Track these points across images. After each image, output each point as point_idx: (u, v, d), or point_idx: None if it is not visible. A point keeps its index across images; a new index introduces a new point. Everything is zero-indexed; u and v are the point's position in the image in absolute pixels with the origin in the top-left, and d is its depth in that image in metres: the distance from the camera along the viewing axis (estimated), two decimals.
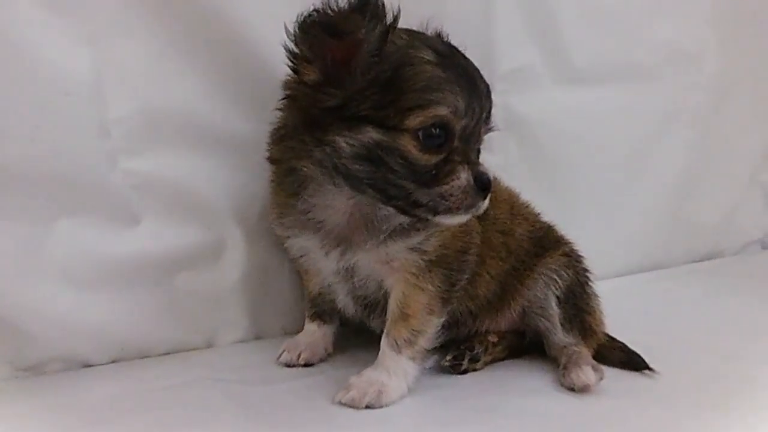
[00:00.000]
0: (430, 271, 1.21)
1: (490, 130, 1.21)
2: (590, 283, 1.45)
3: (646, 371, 1.34)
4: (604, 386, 1.28)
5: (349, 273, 1.25)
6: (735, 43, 2.01)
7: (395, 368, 1.22)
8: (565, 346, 1.36)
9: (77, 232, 1.29)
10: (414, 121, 1.08)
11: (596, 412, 1.20)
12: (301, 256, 1.32)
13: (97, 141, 1.29)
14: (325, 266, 1.27)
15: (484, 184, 1.12)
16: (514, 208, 1.43)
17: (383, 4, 1.08)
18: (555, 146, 1.82)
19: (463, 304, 1.36)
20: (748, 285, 1.93)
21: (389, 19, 1.09)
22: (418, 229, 1.19)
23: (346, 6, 1.06)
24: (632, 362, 1.38)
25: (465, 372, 1.35)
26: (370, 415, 1.17)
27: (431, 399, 1.23)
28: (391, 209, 1.15)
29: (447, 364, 1.35)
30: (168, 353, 1.44)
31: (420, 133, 1.09)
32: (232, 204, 1.45)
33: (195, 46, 1.35)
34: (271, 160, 1.26)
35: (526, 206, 1.47)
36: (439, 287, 1.22)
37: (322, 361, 1.40)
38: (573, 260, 1.44)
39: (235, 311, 1.50)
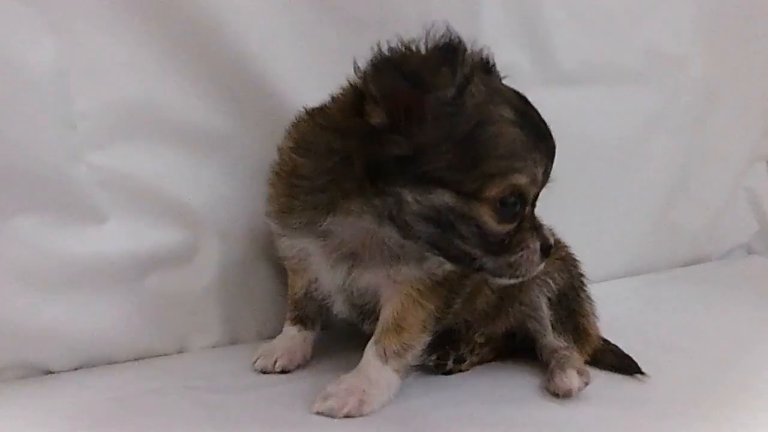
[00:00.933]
0: (433, 290, 1.20)
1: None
2: (585, 288, 1.44)
3: (638, 375, 1.33)
4: (591, 393, 1.26)
5: (350, 284, 1.22)
6: (721, 47, 2.02)
7: (378, 378, 1.19)
8: (555, 350, 1.34)
9: (37, 230, 1.24)
10: (494, 190, 1.04)
11: (583, 420, 1.18)
12: (293, 257, 1.28)
13: (61, 134, 1.25)
14: (328, 278, 1.23)
15: (547, 250, 1.13)
16: None
17: (468, 52, 1.04)
18: None
19: (460, 318, 1.34)
20: (733, 290, 1.93)
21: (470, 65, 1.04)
22: (426, 257, 1.15)
23: (433, 53, 1.00)
24: (624, 366, 1.37)
25: (450, 372, 1.33)
26: (349, 425, 1.12)
27: (412, 408, 1.19)
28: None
29: (431, 363, 1.33)
30: (136, 359, 1.40)
31: (498, 204, 1.05)
32: (205, 202, 1.41)
33: (166, 36, 1.32)
34: (296, 166, 1.16)
35: None
36: (438, 306, 1.21)
37: (299, 367, 1.35)
38: (568, 264, 1.42)
39: (208, 315, 1.46)
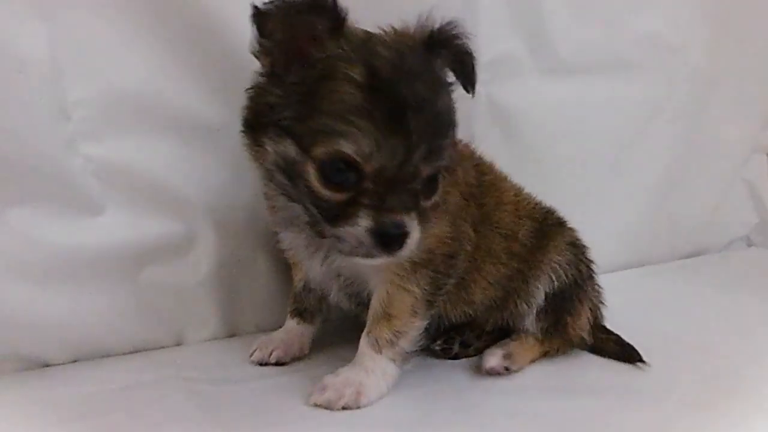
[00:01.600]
0: (415, 273, 1.17)
1: (438, 168, 1.06)
2: (593, 277, 1.42)
3: (639, 363, 1.34)
4: (591, 383, 1.26)
5: (334, 273, 1.22)
6: (720, 37, 1.99)
7: (374, 368, 1.18)
8: (518, 332, 1.35)
9: (33, 222, 1.23)
10: (317, 150, 0.99)
11: (583, 411, 1.17)
12: (288, 249, 1.28)
13: (55, 124, 1.23)
14: (311, 264, 1.23)
15: (383, 239, 1.00)
16: (519, 209, 1.36)
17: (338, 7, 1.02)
18: (538, 137, 1.80)
19: (459, 309, 1.32)
20: (732, 282, 1.91)
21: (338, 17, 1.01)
22: None
23: (303, 5, 1.00)
24: (626, 355, 1.37)
25: (456, 357, 1.34)
26: (347, 417, 1.12)
27: (412, 398, 1.19)
28: None
29: (437, 348, 1.33)
30: (134, 352, 1.39)
31: (324, 165, 1.00)
32: (202, 193, 1.39)
33: (162, 23, 1.30)
34: None
35: (529, 201, 1.41)
36: (425, 290, 1.18)
37: (296, 360, 1.35)
38: (578, 253, 1.40)
39: (205, 307, 1.45)
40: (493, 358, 1.29)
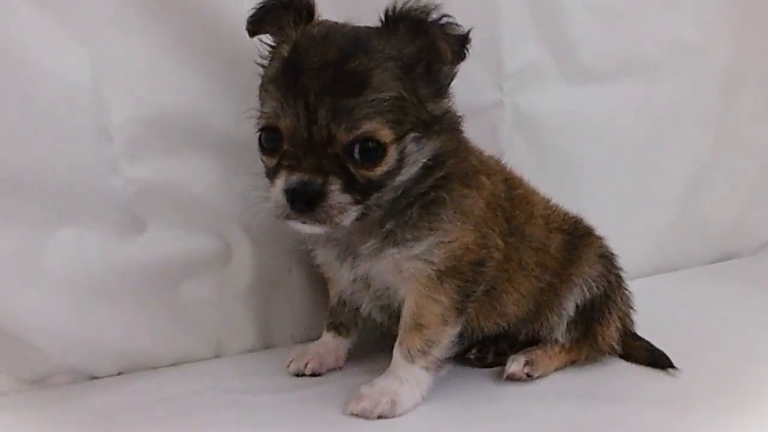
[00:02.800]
0: (442, 283, 1.17)
1: (364, 135, 1.04)
2: (622, 286, 1.43)
3: (669, 369, 1.34)
4: (623, 390, 1.27)
5: (365, 283, 1.24)
6: (744, 37, 1.97)
7: (408, 377, 1.20)
8: (545, 341, 1.36)
9: (79, 241, 1.27)
10: (258, 124, 1.11)
11: (614, 417, 1.18)
12: (323, 264, 1.32)
13: (99, 147, 1.27)
14: (342, 276, 1.25)
15: (291, 196, 1.04)
16: (550, 222, 1.37)
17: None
18: (563, 145, 1.79)
19: (492, 321, 1.33)
20: (766, 285, 1.88)
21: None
22: (417, 239, 1.16)
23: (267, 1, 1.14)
24: (656, 360, 1.37)
25: (491, 366, 1.35)
26: (382, 425, 1.14)
27: (446, 407, 1.21)
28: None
29: (472, 357, 1.35)
30: (175, 364, 1.42)
31: (262, 138, 1.11)
32: (238, 210, 1.42)
33: (197, 48, 1.33)
34: None
35: (558, 213, 1.41)
36: (453, 298, 1.18)
37: (330, 371, 1.37)
38: (608, 264, 1.41)
39: (242, 320, 1.48)
40: (515, 364, 1.30)
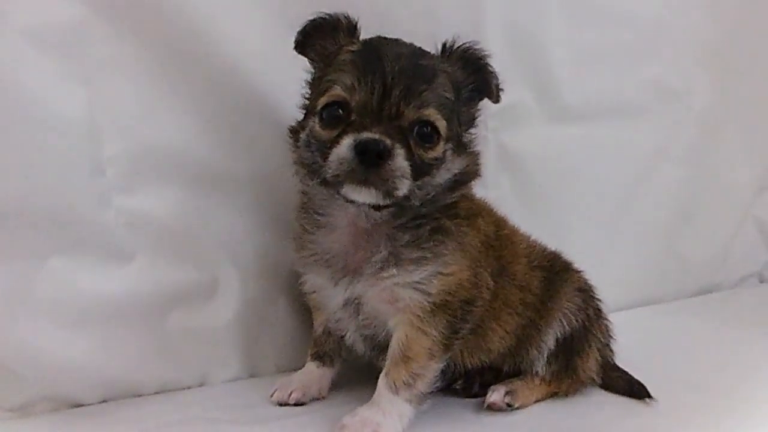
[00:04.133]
0: (434, 316, 1.20)
1: (427, 118, 1.14)
2: (601, 317, 1.46)
3: (647, 399, 1.37)
4: (600, 424, 1.29)
5: (355, 309, 1.26)
6: (723, 82, 2.04)
7: (391, 409, 1.21)
8: (530, 374, 1.39)
9: (69, 270, 1.28)
10: (321, 102, 1.16)
11: None
12: (313, 292, 1.34)
13: (91, 179, 1.30)
14: (334, 298, 1.27)
15: (361, 149, 1.08)
16: (531, 260, 1.41)
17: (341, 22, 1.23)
18: (547, 182, 1.84)
19: (476, 357, 1.36)
20: (744, 319, 1.92)
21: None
22: (418, 263, 1.19)
23: (320, 22, 1.23)
24: (634, 391, 1.40)
25: (476, 396, 1.38)
26: None
27: None
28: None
29: (458, 387, 1.38)
30: (160, 392, 1.42)
31: (324, 113, 1.15)
32: (225, 242, 1.45)
33: (189, 84, 1.37)
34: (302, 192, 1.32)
35: (538, 250, 1.45)
36: (442, 333, 1.21)
37: (314, 400, 1.38)
38: (587, 297, 1.44)
39: (228, 349, 1.49)
40: (495, 394, 1.33)
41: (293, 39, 1.24)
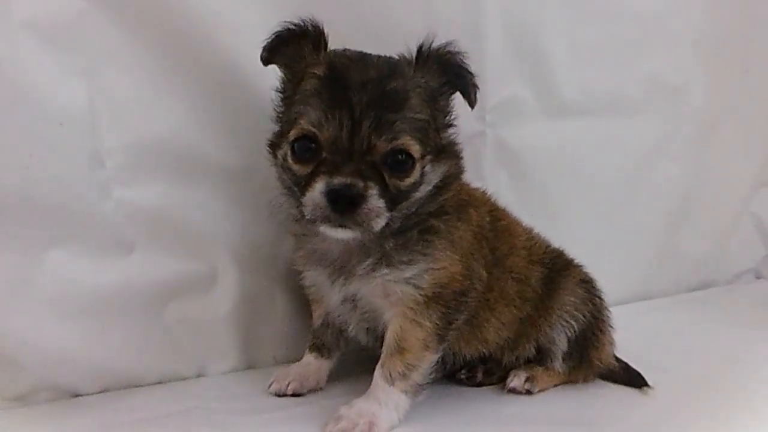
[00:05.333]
0: (428, 308, 1.22)
1: (399, 147, 1.12)
2: (604, 308, 1.47)
3: (644, 388, 1.41)
4: (597, 415, 1.31)
5: (353, 304, 1.27)
6: (721, 76, 2.05)
7: (386, 400, 1.22)
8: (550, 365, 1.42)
9: (68, 262, 1.29)
10: (292, 134, 1.15)
11: None
12: (313, 287, 1.36)
13: (91, 171, 1.30)
14: (332, 296, 1.28)
15: (332, 197, 1.08)
16: (532, 254, 1.42)
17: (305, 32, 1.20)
18: (544, 177, 1.85)
19: (473, 347, 1.37)
20: (739, 315, 1.93)
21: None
22: (409, 262, 1.20)
23: (284, 35, 1.20)
24: (631, 380, 1.42)
25: (480, 385, 1.41)
26: None
27: (422, 429, 1.23)
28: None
29: (462, 376, 1.40)
30: (158, 383, 1.43)
31: (295, 146, 1.14)
32: (224, 234, 1.46)
33: (189, 77, 1.38)
34: None
35: (540, 245, 1.46)
36: (437, 324, 1.22)
37: (312, 392, 1.39)
38: (590, 290, 1.45)
39: (226, 341, 1.50)
40: (516, 379, 1.37)
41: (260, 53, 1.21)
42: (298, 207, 1.16)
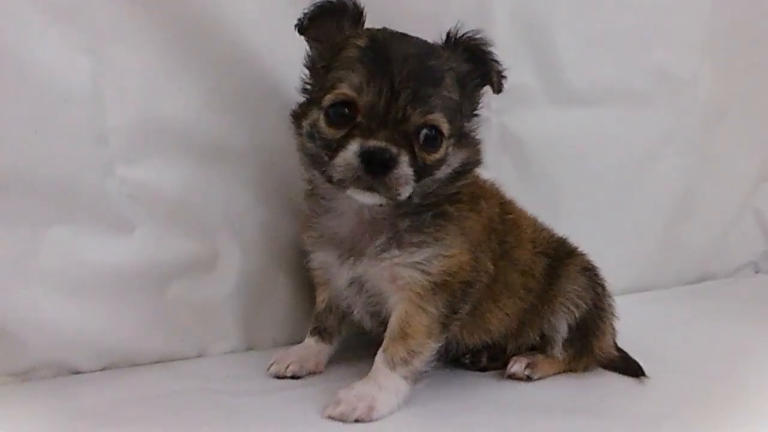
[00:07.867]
0: (434, 294, 1.22)
1: (432, 122, 1.15)
2: (607, 296, 1.48)
3: (642, 377, 1.41)
4: (595, 404, 1.31)
5: (360, 287, 1.28)
6: (728, 69, 2.05)
7: (387, 384, 1.22)
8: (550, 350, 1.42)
9: (71, 239, 1.29)
10: (326, 99, 1.16)
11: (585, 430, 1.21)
12: (320, 269, 1.36)
13: (95, 148, 1.30)
14: (340, 277, 1.29)
15: (369, 160, 1.10)
16: (537, 245, 1.42)
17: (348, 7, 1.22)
18: (548, 165, 1.85)
19: (476, 337, 1.38)
20: (739, 308, 1.94)
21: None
22: (420, 246, 1.21)
23: (325, 3, 1.21)
24: (629, 369, 1.43)
25: (485, 369, 1.42)
26: (359, 429, 1.16)
27: (422, 414, 1.23)
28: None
29: (467, 361, 1.41)
30: (158, 362, 1.43)
31: (330, 111, 1.15)
32: (227, 215, 1.46)
33: (194, 57, 1.37)
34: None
35: (544, 236, 1.46)
36: (442, 311, 1.23)
37: (312, 374, 1.39)
38: (592, 276, 1.46)
39: (227, 322, 1.50)
40: (517, 365, 1.38)
41: (296, 19, 1.22)
42: (324, 171, 1.17)
